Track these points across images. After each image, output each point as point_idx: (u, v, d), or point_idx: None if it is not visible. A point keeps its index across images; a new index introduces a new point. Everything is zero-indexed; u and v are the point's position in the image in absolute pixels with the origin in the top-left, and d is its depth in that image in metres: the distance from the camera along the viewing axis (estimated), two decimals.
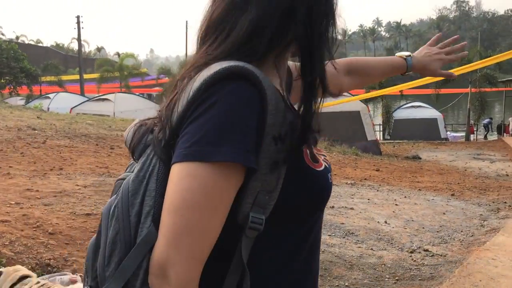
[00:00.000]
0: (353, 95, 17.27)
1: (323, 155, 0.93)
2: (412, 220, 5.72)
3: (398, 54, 1.37)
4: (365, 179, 8.75)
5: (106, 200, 0.87)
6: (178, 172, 0.73)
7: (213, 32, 0.84)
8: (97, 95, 26.23)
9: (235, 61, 0.77)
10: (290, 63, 1.04)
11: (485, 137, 25.37)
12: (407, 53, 1.36)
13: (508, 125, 23.22)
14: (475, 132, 25.76)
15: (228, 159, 0.72)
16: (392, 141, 21.30)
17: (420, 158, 14.68)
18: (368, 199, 6.66)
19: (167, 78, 38.21)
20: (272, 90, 0.77)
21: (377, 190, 7.49)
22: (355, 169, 10.15)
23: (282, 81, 0.87)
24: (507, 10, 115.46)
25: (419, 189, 7.93)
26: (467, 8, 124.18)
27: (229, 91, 0.74)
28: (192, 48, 0.90)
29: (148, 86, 44.41)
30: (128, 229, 0.76)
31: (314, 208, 0.88)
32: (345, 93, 15.96)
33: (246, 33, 0.80)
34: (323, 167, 0.87)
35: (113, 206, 0.80)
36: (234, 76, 0.75)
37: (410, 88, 23.31)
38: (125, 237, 0.76)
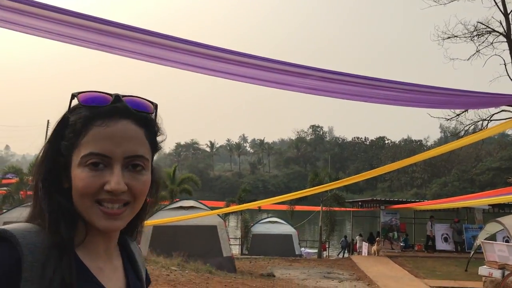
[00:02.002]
0: (211, 208, 17.14)
1: None
2: None
3: None
4: None
5: None
6: None
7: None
8: None
9: (20, 224, 0.89)
10: None
11: (340, 254, 26.69)
12: None
13: (356, 243, 24.75)
14: (327, 249, 26.98)
15: None
16: (249, 256, 21.18)
17: (274, 276, 14.57)
18: None
19: (17, 178, 35.10)
20: (36, 252, 0.82)
21: None
22: None
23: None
24: (354, 137, 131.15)
25: None
26: (321, 132, 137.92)
27: None
28: None
29: None
30: None
31: None
32: (202, 207, 15.78)
33: None
34: None
35: None
36: None
37: (267, 204, 24.09)
38: None
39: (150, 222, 15.18)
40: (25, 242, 0.83)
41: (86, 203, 0.90)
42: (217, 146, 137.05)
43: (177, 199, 19.63)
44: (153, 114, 1.00)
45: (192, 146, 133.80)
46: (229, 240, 16.45)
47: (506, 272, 8.49)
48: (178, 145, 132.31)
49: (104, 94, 0.93)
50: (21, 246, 0.82)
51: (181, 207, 15.37)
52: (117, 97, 0.94)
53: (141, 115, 0.95)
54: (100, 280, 0.93)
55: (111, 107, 0.92)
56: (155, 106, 0.99)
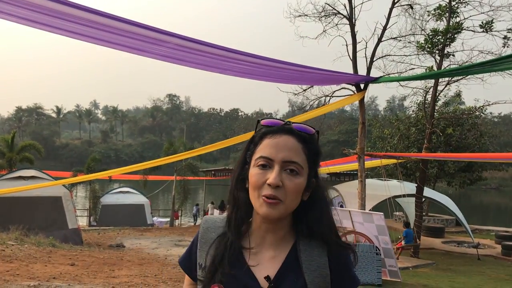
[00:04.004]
0: (56, 179, 15.95)
1: None
2: None
3: None
4: (54, 277, 7.66)
5: None
6: None
7: None
8: None
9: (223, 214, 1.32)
10: None
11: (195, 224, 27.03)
12: None
13: (208, 210, 25.38)
14: (179, 217, 27.20)
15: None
16: (98, 227, 20.37)
17: (124, 247, 14.27)
18: None
19: None
20: (209, 230, 1.26)
21: None
22: (46, 265, 8.90)
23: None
24: (210, 108, 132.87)
25: (113, 286, 7.34)
26: (178, 102, 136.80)
27: None
28: None
29: None
30: None
31: None
32: (45, 176, 14.58)
33: None
34: None
35: None
36: None
37: (119, 174, 23.26)
38: None
39: None
40: (205, 225, 1.29)
41: (255, 194, 1.17)
42: (65, 112, 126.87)
43: (16, 169, 17.88)
44: (314, 137, 1.25)
45: (35, 111, 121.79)
46: (76, 212, 15.55)
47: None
48: (19, 109, 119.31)
49: (279, 120, 1.26)
50: (201, 226, 1.30)
51: (20, 177, 14.05)
52: (287, 122, 1.25)
53: (300, 133, 1.22)
54: (247, 260, 1.19)
55: (280, 127, 1.23)
56: (316, 131, 1.27)
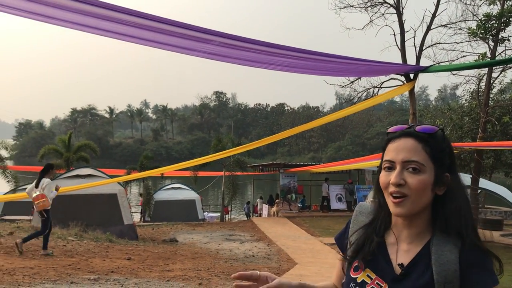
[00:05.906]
0: (111, 176, 16.57)
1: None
2: None
3: None
4: (112, 271, 7.99)
5: None
6: None
7: None
8: None
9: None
10: None
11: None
12: None
13: (257, 205, 25.54)
14: (229, 212, 27.54)
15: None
16: (152, 223, 20.98)
17: (177, 241, 14.63)
18: None
19: None
20: (362, 215, 1.47)
21: (122, 286, 6.84)
22: (104, 260, 9.30)
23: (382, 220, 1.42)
24: (256, 104, 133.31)
25: (168, 280, 7.58)
26: (224, 99, 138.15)
27: None
28: None
29: None
30: None
31: None
32: (100, 175, 15.18)
33: None
34: (360, 275, 1.35)
35: None
36: None
37: (170, 171, 23.83)
38: None
39: None
40: (359, 209, 1.49)
41: (385, 194, 1.33)
42: (117, 112, 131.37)
43: (73, 168, 18.71)
44: (435, 135, 1.31)
45: (89, 112, 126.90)
46: (131, 208, 16.10)
47: None
48: (74, 111, 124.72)
49: (404, 125, 1.37)
50: (355, 210, 1.51)
51: (77, 176, 14.67)
52: (411, 126, 1.35)
53: (419, 134, 1.31)
54: (386, 249, 1.36)
55: (401, 132, 1.35)
56: (441, 129, 1.33)
